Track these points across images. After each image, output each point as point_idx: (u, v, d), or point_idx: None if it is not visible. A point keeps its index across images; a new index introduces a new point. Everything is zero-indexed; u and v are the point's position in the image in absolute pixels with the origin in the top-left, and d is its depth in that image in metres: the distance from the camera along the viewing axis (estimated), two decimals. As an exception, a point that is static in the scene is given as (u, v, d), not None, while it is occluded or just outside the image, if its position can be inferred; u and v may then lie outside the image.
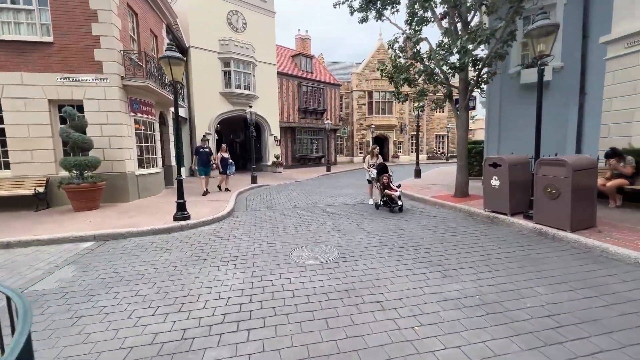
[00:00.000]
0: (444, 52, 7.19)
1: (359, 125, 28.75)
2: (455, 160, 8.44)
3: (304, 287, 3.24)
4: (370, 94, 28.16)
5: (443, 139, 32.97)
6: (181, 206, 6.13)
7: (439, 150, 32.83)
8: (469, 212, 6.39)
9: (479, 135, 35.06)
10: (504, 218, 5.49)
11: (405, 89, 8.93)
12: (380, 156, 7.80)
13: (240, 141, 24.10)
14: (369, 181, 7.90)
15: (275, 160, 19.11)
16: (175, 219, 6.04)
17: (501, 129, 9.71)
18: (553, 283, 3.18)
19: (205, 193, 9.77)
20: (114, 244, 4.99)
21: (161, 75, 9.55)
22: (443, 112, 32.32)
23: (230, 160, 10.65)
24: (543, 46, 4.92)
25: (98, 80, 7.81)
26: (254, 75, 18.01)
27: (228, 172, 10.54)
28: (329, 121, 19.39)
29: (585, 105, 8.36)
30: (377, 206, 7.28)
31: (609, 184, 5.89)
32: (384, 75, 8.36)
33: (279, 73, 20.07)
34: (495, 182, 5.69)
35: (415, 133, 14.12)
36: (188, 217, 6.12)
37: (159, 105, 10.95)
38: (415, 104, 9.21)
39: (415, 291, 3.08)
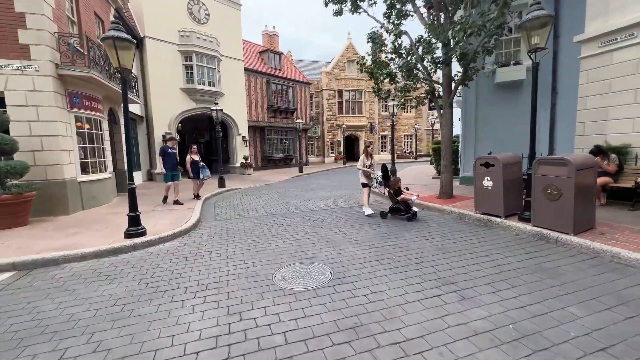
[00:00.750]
0: (427, 45, 6.84)
1: (330, 125, 28.36)
2: (425, 159, 8.19)
3: (297, 327, 2.52)
4: (340, 93, 27.89)
5: (411, 138, 33.70)
6: (134, 220, 5.09)
7: (407, 150, 33.51)
8: (458, 214, 6.06)
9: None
10: (498, 221, 5.18)
11: (387, 85, 8.52)
12: (373, 155, 6.97)
13: (205, 142, 22.53)
14: (365, 185, 6.75)
15: (244, 161, 18.00)
16: (127, 235, 4.98)
17: (477, 128, 9.68)
18: (583, 300, 2.78)
19: (176, 203, 8.31)
20: (42, 275, 3.87)
21: (109, 65, 8.22)
22: (410, 112, 33.03)
23: (202, 163, 9.32)
24: (538, 39, 4.66)
25: (24, 67, 6.40)
26: (218, 71, 16.76)
27: (202, 176, 9.22)
28: (300, 120, 18.65)
29: (557, 105, 8.53)
30: (384, 215, 6.24)
31: (592, 182, 5.86)
32: (363, 70, 7.86)
33: (246, 69, 18.94)
34: (487, 182, 5.38)
35: (388, 132, 13.91)
36: (143, 233, 5.09)
37: (108, 101, 9.51)
38: (396, 102, 8.81)
39: (436, 323, 2.51)
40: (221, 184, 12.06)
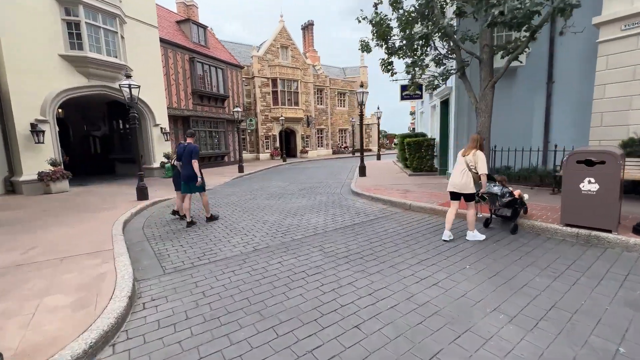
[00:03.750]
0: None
1: (264, 117, 25.27)
2: (365, 153, 6.60)
3: None
4: (274, 82, 25.04)
5: (345, 133, 33.18)
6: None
7: (342, 144, 32.91)
8: (532, 228, 4.57)
9: (401, 131, 36.97)
10: (612, 237, 3.82)
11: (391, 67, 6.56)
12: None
13: (102, 136, 16.87)
14: (460, 197, 4.35)
15: (167, 160, 13.78)
16: None
17: (471, 118, 8.66)
18: None
19: (191, 224, 5.67)
20: None
21: None
22: (344, 106, 32.41)
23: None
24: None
25: None
26: (122, 37, 12.15)
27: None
28: (239, 109, 15.32)
29: (554, 94, 8.07)
30: (487, 223, 4.88)
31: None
32: (376, 35, 5.72)
33: (162, 41, 14.52)
34: (589, 185, 3.96)
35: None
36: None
37: None
38: (421, 79, 6.77)
39: None
40: (142, 194, 8.29)
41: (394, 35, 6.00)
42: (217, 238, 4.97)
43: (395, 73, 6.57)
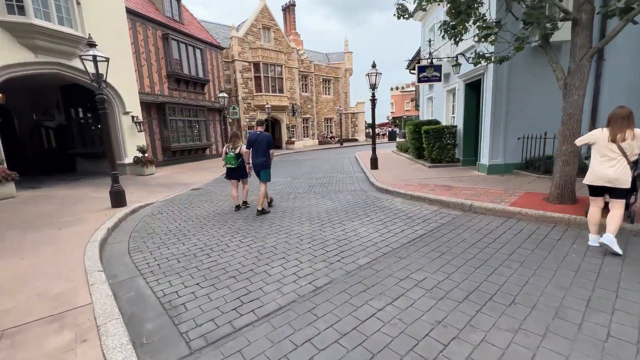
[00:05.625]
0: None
1: (247, 105, 23.18)
2: (353, 144, 5.47)
3: None
4: (257, 66, 22.93)
5: (331, 122, 31.74)
6: None
7: (328, 134, 31.51)
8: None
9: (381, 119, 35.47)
10: None
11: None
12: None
13: (57, 126, 14.20)
14: (600, 192, 3.36)
15: (141, 155, 11.68)
16: None
17: (509, 103, 7.63)
18: None
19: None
20: None
21: None
22: (329, 94, 30.88)
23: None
24: None
25: None
26: (78, 2, 9.80)
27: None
28: (224, 94, 13.37)
29: (604, 75, 7.21)
30: None
31: None
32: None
33: (130, 12, 12.15)
34: None
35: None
36: None
37: None
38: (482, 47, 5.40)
39: None
40: (117, 199, 6.47)
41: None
42: (246, 267, 3.48)
43: (459, 41, 5.25)
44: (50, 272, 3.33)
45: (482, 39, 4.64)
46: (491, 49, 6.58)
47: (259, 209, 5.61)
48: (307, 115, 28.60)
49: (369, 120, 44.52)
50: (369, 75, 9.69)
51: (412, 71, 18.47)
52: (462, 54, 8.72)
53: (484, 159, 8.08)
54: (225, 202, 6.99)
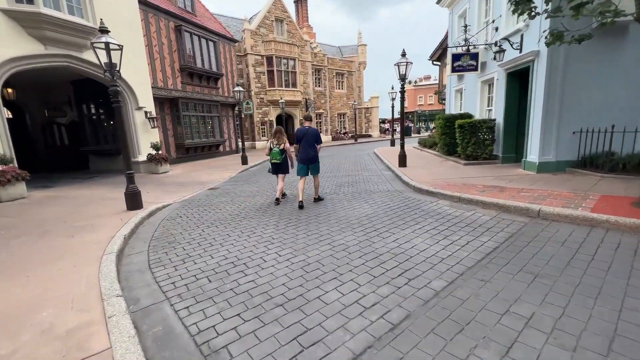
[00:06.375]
0: None
1: (259, 100, 22.60)
2: (367, 139, 4.75)
3: None
4: (270, 60, 22.27)
5: (344, 117, 30.92)
6: None
7: (341, 130, 30.73)
8: None
9: (387, 116, 34.20)
10: None
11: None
12: None
13: (70, 122, 13.84)
14: None
15: (155, 152, 11.20)
16: None
17: (564, 93, 6.78)
18: None
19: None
20: None
21: None
22: (342, 88, 30.02)
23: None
24: None
25: None
26: (89, -9, 9.27)
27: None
28: (241, 88, 12.75)
29: (679, 58, 6.30)
30: None
31: None
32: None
33: (142, 2, 11.59)
34: None
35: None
36: None
37: None
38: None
39: None
40: (134, 201, 5.93)
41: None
42: (292, 290, 2.84)
43: (534, 15, 4.47)
44: (60, 297, 2.77)
45: (572, 10, 3.84)
46: (550, 29, 5.74)
47: (315, 197, 6.13)
48: (320, 111, 27.86)
49: (383, 115, 43.34)
50: (398, 65, 8.92)
51: (435, 62, 17.55)
52: (507, 38, 7.92)
53: (533, 155, 7.26)
54: (247, 202, 6.40)
